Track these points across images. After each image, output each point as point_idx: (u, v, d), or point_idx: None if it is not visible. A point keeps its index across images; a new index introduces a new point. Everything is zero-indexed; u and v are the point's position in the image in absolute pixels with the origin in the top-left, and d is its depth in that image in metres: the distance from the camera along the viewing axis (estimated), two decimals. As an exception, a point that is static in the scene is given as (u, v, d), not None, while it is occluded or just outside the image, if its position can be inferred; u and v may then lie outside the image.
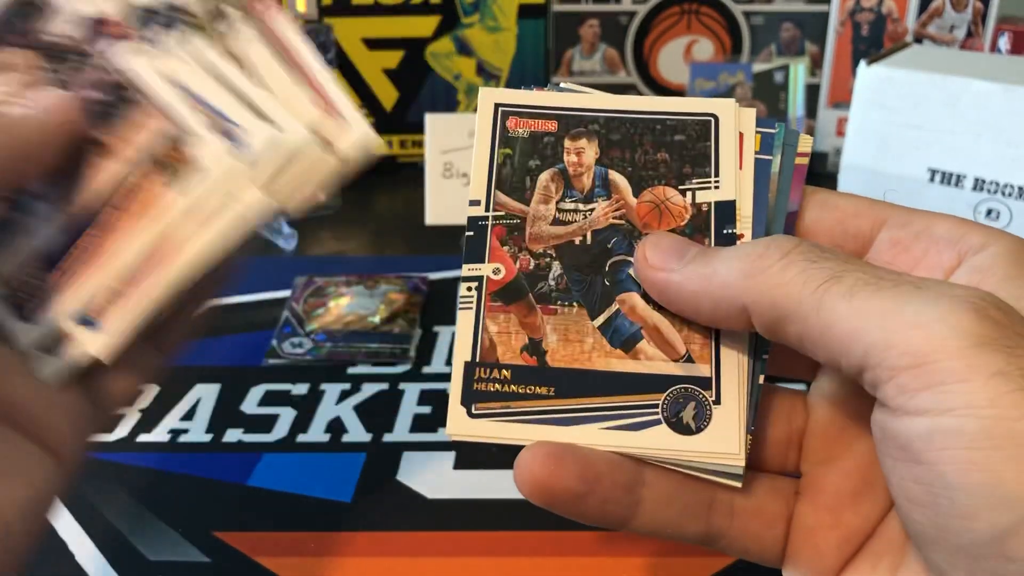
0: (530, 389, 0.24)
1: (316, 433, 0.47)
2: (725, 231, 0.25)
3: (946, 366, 0.19)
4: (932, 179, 0.60)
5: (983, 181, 0.58)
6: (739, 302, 0.22)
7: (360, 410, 0.49)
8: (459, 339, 0.25)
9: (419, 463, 0.45)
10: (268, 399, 0.50)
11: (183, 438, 0.47)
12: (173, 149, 0.26)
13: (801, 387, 0.27)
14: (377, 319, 0.56)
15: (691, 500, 0.24)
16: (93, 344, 0.25)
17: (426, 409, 0.49)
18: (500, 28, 0.80)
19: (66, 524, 0.41)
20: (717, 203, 0.26)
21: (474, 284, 0.25)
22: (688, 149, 0.26)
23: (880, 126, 0.61)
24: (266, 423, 0.48)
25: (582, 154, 0.27)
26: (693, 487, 0.24)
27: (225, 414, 0.49)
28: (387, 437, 0.47)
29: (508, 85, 0.81)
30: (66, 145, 0.25)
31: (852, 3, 0.77)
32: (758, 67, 0.74)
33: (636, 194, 0.26)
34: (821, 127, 0.81)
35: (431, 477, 0.44)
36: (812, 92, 0.79)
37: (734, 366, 0.24)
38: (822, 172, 0.80)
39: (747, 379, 0.24)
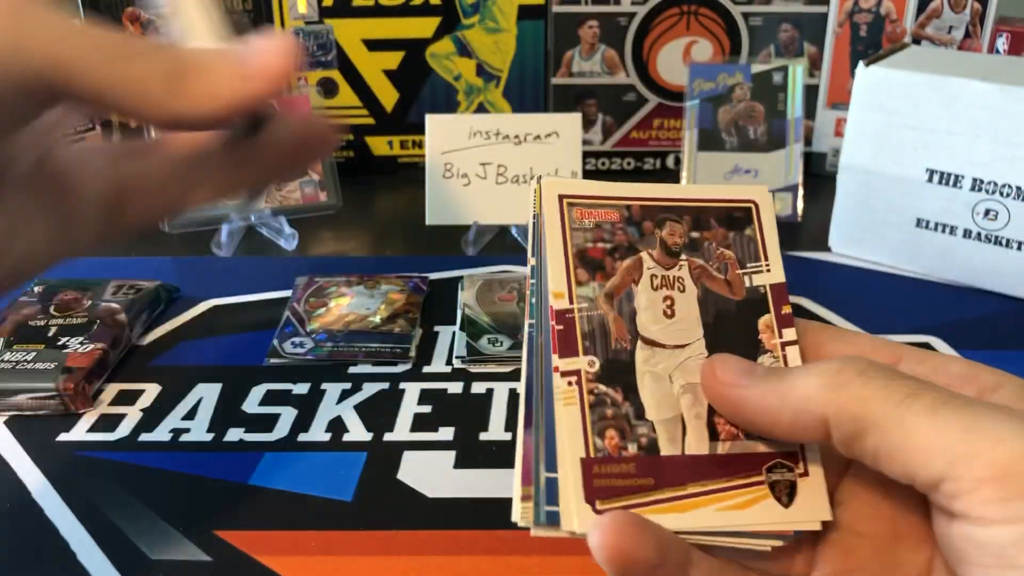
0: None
1: (317, 432, 0.47)
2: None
3: None
4: (930, 179, 0.60)
5: (981, 181, 0.58)
6: (821, 414, 0.23)
7: (361, 409, 0.49)
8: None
9: (419, 462, 0.45)
10: (269, 398, 0.50)
11: (184, 437, 0.47)
12: None
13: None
14: (377, 319, 0.56)
15: None
16: None
17: (426, 408, 0.49)
18: (500, 29, 0.80)
19: (68, 523, 0.41)
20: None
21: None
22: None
23: (878, 127, 0.61)
24: (267, 422, 0.48)
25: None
26: (730, 573, 0.25)
27: (226, 413, 0.49)
28: (387, 436, 0.47)
29: (508, 86, 0.82)
30: None
31: (850, 4, 0.77)
32: (757, 68, 0.75)
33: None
34: (819, 128, 0.81)
35: (431, 476, 0.44)
36: (811, 93, 0.79)
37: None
38: (820, 173, 0.80)
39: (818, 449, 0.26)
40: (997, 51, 0.78)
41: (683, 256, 0.28)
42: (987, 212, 0.59)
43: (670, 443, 0.26)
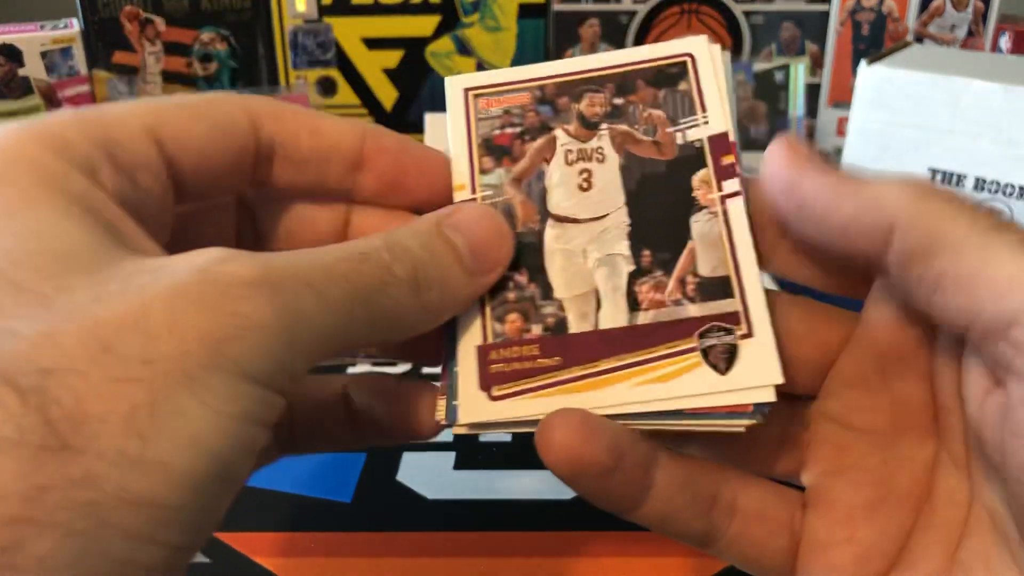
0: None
1: (316, 433, 0.47)
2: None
3: None
4: (933, 179, 0.60)
5: (984, 181, 0.58)
6: (888, 217, 0.20)
7: (360, 410, 0.49)
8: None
9: (419, 463, 0.45)
10: (268, 399, 0.50)
11: (183, 438, 0.47)
12: None
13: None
14: (377, 319, 0.56)
15: (698, 491, 0.23)
16: None
17: (426, 409, 0.49)
18: (500, 28, 0.80)
19: (65, 524, 0.41)
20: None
21: None
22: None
23: (881, 126, 0.61)
24: (266, 423, 0.48)
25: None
26: (702, 474, 0.23)
27: (225, 414, 0.49)
28: (387, 437, 0.47)
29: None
30: None
31: (852, 2, 0.77)
32: (758, 67, 0.74)
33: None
34: (822, 127, 0.80)
35: (431, 477, 0.44)
36: (812, 92, 0.79)
37: (759, 295, 0.23)
38: (822, 172, 0.80)
39: (766, 307, 0.23)
40: (1000, 50, 0.78)
41: (603, 126, 0.26)
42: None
43: (581, 319, 0.23)
